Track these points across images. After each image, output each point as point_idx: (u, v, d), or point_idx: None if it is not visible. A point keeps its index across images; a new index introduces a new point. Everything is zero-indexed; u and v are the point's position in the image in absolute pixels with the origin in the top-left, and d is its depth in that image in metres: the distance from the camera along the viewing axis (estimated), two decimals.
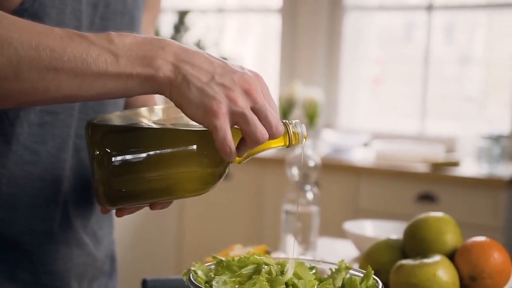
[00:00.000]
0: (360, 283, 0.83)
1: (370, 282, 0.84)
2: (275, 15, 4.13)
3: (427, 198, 3.01)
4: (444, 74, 3.84)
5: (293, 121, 0.84)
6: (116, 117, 0.86)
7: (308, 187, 1.39)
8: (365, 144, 3.60)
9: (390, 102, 4.00)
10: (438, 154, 3.22)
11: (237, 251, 1.22)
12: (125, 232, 3.38)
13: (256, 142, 0.78)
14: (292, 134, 0.83)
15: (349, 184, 3.19)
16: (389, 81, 4.05)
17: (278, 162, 3.16)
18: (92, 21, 0.99)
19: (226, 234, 3.52)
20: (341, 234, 1.58)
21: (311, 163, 1.39)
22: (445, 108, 3.80)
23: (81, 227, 1.06)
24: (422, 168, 3.06)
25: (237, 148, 0.80)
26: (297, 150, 1.41)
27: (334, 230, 2.33)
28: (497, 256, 1.07)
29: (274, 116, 0.79)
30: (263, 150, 0.84)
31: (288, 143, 0.84)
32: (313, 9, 3.88)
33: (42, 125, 0.97)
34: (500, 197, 2.89)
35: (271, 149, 0.86)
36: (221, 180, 0.84)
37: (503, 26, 3.76)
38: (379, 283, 0.84)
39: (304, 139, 0.85)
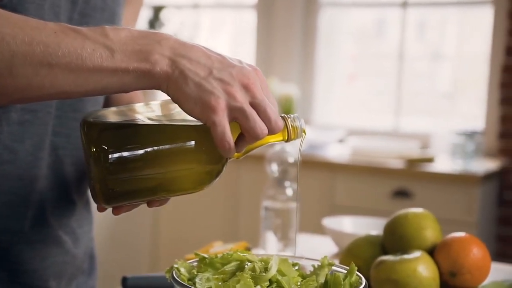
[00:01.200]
0: (344, 280, 0.83)
1: (354, 278, 0.84)
2: (250, 11, 4.12)
3: (402, 194, 3.03)
4: (418, 71, 3.87)
5: (292, 115, 0.83)
6: (111, 114, 0.84)
7: (287, 183, 1.39)
8: (341, 141, 3.61)
9: (365, 99, 4.02)
10: (412, 150, 3.24)
11: (217, 248, 1.21)
12: (99, 230, 3.36)
13: (256, 137, 0.77)
14: (291, 128, 0.82)
15: (325, 180, 3.19)
16: (364, 77, 4.07)
17: (254, 159, 3.16)
18: (70, 17, 0.98)
19: (201, 231, 3.51)
20: (317, 230, 1.58)
21: (291, 160, 1.39)
22: (419, 105, 3.83)
23: (59, 226, 1.05)
24: (397, 164, 3.08)
25: (236, 143, 0.78)
26: (276, 147, 1.41)
27: (310, 226, 2.34)
28: (476, 251, 1.07)
29: (273, 110, 0.77)
30: (261, 145, 0.83)
31: (287, 138, 0.83)
32: (288, 6, 3.88)
33: (21, 123, 0.96)
34: (474, 192, 2.92)
35: (269, 144, 0.85)
36: (219, 177, 0.83)
37: (473, 23, 3.79)
38: (362, 279, 0.84)
39: (303, 133, 0.84)
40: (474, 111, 3.60)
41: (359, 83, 4.07)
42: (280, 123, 0.79)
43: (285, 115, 0.82)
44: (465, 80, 3.85)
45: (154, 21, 3.86)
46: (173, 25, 3.99)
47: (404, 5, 3.70)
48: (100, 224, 3.36)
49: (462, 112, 3.75)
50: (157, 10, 3.90)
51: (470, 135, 3.12)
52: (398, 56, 3.72)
